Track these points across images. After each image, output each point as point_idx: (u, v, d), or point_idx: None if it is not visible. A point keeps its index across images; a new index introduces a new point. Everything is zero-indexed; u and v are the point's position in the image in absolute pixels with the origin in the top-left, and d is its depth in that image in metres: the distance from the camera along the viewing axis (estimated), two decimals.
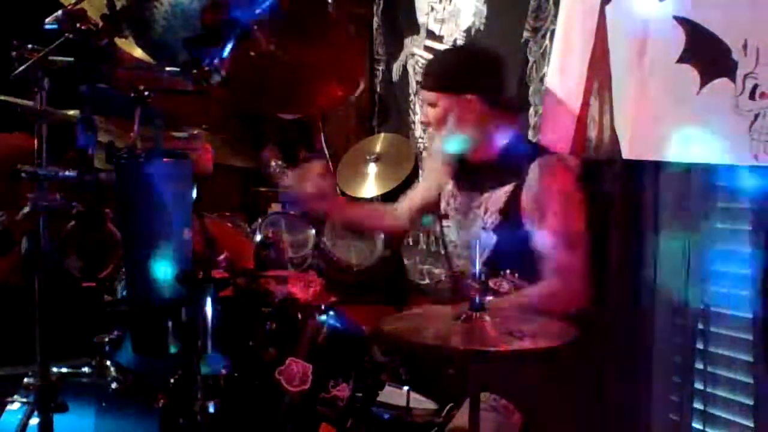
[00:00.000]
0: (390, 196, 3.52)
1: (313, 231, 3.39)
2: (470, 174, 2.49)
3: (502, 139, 2.43)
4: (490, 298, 1.79)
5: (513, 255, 2.31)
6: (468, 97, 2.37)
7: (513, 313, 2.02)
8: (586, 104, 2.47)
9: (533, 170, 2.33)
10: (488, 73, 2.45)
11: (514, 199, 2.34)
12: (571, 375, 2.26)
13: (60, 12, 1.65)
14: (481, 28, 3.12)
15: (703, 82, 2.02)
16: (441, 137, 2.45)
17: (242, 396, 1.95)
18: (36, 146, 1.67)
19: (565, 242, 2.26)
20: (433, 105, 2.43)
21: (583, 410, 2.30)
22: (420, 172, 3.58)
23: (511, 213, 2.34)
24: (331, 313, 2.12)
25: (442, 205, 2.61)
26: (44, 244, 1.66)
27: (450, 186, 2.58)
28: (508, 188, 2.36)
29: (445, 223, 2.60)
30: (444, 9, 3.39)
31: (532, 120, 2.79)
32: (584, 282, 2.23)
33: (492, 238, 2.37)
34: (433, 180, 2.72)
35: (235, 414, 1.91)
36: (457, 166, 2.52)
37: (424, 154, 3.57)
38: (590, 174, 2.43)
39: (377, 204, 3.38)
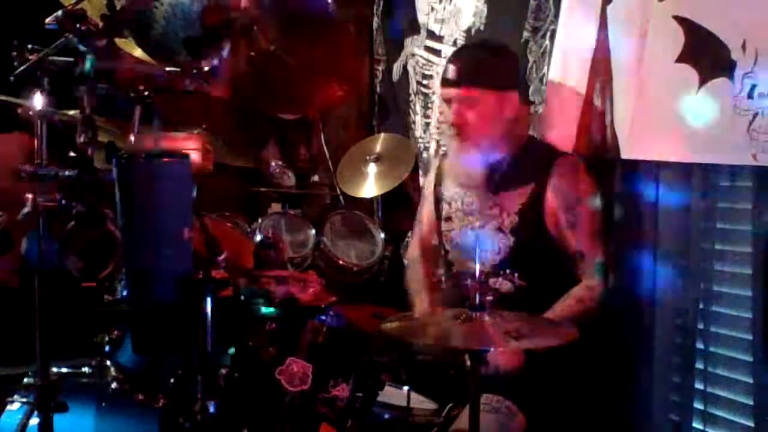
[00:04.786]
0: (390, 196, 3.53)
1: (313, 231, 3.38)
2: (480, 174, 2.46)
3: (518, 138, 2.42)
4: (489, 298, 1.79)
5: (531, 256, 2.31)
6: (511, 93, 2.35)
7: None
8: (588, 104, 2.47)
9: (559, 172, 2.32)
10: (519, 71, 2.45)
11: (534, 200, 2.33)
12: (573, 375, 2.26)
13: (60, 12, 1.65)
14: (481, 28, 3.12)
15: (702, 82, 2.03)
16: (477, 138, 2.35)
17: (242, 396, 1.95)
18: (36, 146, 1.67)
19: (599, 241, 2.29)
20: (472, 104, 2.32)
21: (584, 411, 2.30)
22: (421, 176, 3.58)
23: (530, 214, 2.33)
24: (331, 313, 2.12)
25: (444, 207, 2.59)
26: (44, 244, 1.66)
27: (453, 188, 2.56)
28: (526, 189, 2.35)
29: (446, 226, 2.58)
30: (444, 9, 3.39)
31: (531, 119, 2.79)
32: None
33: (509, 240, 2.36)
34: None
35: (235, 414, 1.91)
36: (468, 167, 2.47)
37: (425, 154, 3.57)
38: (591, 174, 2.43)
39: None
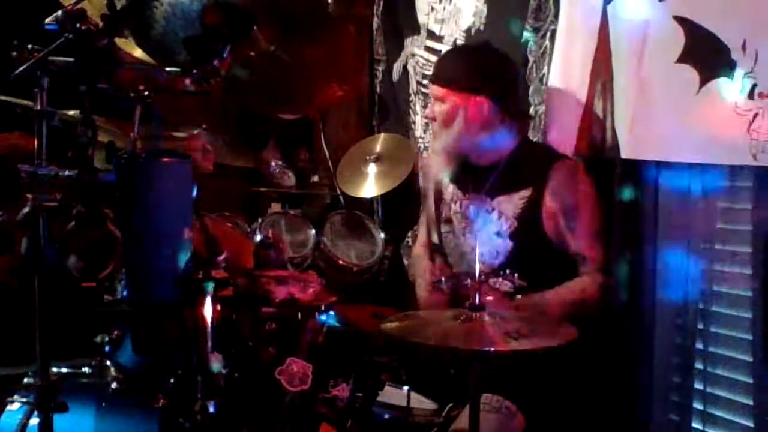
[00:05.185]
0: (390, 196, 3.53)
1: (313, 231, 3.39)
2: (476, 177, 2.47)
3: (511, 142, 2.42)
4: (489, 297, 1.79)
5: (530, 260, 2.31)
6: (479, 98, 2.36)
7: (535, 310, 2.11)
8: (589, 104, 2.47)
9: (557, 176, 2.33)
10: (503, 77, 2.44)
11: (532, 204, 2.33)
12: (572, 375, 2.26)
13: (60, 12, 1.65)
14: (481, 28, 3.12)
15: (703, 82, 2.03)
16: (444, 135, 2.42)
17: (242, 396, 1.95)
18: (36, 146, 1.67)
19: (600, 242, 2.30)
20: (441, 100, 2.40)
21: (584, 411, 2.30)
22: (420, 177, 3.58)
23: (529, 218, 2.34)
24: (331, 313, 2.12)
25: (443, 209, 2.59)
26: (44, 244, 1.66)
27: (451, 189, 2.56)
28: (525, 193, 2.35)
29: (445, 228, 2.58)
30: (444, 9, 3.39)
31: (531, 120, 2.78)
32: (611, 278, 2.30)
33: (507, 244, 2.37)
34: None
35: (235, 414, 1.91)
36: (460, 169, 2.50)
37: (425, 154, 3.57)
38: (591, 174, 2.43)
39: None
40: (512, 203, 2.37)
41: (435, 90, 2.44)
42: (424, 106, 3.56)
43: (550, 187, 2.32)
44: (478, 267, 1.80)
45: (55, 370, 2.06)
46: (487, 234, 2.39)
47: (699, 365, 2.28)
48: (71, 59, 1.65)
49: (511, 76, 2.50)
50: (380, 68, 4.02)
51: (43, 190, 1.65)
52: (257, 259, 2.34)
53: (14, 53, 1.64)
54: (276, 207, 3.74)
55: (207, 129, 2.63)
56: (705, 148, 2.07)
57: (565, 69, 2.57)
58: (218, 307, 1.72)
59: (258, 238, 2.94)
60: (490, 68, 2.42)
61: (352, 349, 2.11)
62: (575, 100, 2.50)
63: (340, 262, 3.33)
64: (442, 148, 2.47)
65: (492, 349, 1.68)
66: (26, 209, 1.66)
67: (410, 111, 3.71)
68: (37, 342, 1.69)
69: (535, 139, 2.67)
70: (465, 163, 2.47)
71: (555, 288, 2.27)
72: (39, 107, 1.65)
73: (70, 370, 2.16)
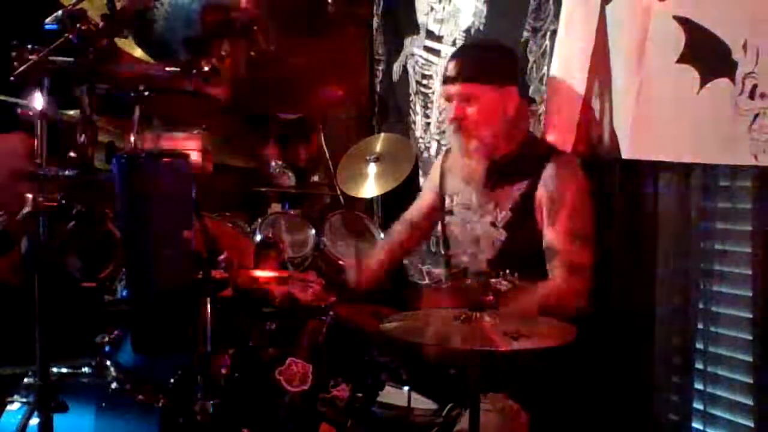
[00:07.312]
0: (390, 196, 3.53)
1: (313, 231, 3.39)
2: (483, 170, 2.47)
3: (521, 133, 2.44)
4: (489, 298, 1.79)
5: (522, 252, 2.32)
6: (511, 87, 2.38)
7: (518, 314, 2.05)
8: (588, 104, 2.47)
9: (551, 168, 2.33)
10: (519, 66, 2.50)
11: (527, 196, 2.35)
12: (574, 375, 2.26)
13: (60, 12, 1.65)
14: (481, 28, 3.12)
15: (703, 82, 2.02)
16: (480, 133, 2.38)
17: (242, 396, 1.95)
18: (36, 146, 1.67)
19: (579, 241, 2.28)
20: (472, 99, 2.36)
21: (585, 410, 2.30)
22: (421, 176, 3.58)
23: (523, 210, 2.35)
24: (331, 313, 2.12)
25: (446, 201, 2.61)
26: (44, 244, 1.66)
27: (455, 183, 2.58)
28: (522, 185, 2.37)
29: (448, 218, 2.59)
30: (444, 9, 3.39)
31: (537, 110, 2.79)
32: (589, 282, 2.25)
33: (502, 235, 2.38)
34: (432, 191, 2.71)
35: (235, 414, 1.91)
36: (470, 164, 2.49)
37: (425, 154, 3.57)
38: (590, 174, 2.43)
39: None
40: (509, 195, 2.38)
41: (462, 89, 2.37)
42: (424, 106, 3.57)
43: (543, 179, 2.33)
44: (478, 266, 1.80)
45: (55, 370, 2.06)
46: (484, 224, 2.41)
47: (699, 365, 2.28)
48: (71, 59, 1.65)
49: (521, 68, 2.57)
50: (380, 68, 4.02)
51: (43, 190, 1.65)
52: (257, 259, 2.34)
53: (14, 53, 1.64)
54: (276, 207, 3.74)
55: (207, 129, 2.63)
56: (705, 148, 2.07)
57: (564, 68, 2.57)
58: None
59: (258, 238, 2.94)
60: (509, 58, 2.47)
61: (352, 349, 2.11)
62: (574, 100, 2.50)
63: (340, 262, 3.33)
64: (476, 147, 2.40)
65: (492, 349, 1.67)
66: (26, 209, 1.66)
67: (410, 111, 3.71)
68: (37, 342, 1.69)
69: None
70: (475, 156, 2.45)
71: (520, 298, 2.21)
72: (39, 107, 1.65)
73: (70, 370, 2.16)
